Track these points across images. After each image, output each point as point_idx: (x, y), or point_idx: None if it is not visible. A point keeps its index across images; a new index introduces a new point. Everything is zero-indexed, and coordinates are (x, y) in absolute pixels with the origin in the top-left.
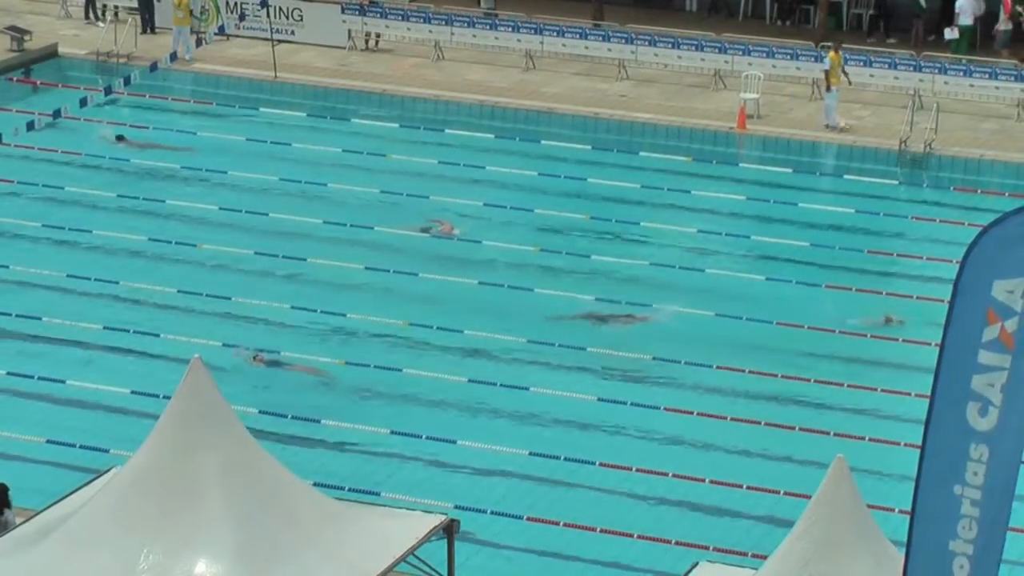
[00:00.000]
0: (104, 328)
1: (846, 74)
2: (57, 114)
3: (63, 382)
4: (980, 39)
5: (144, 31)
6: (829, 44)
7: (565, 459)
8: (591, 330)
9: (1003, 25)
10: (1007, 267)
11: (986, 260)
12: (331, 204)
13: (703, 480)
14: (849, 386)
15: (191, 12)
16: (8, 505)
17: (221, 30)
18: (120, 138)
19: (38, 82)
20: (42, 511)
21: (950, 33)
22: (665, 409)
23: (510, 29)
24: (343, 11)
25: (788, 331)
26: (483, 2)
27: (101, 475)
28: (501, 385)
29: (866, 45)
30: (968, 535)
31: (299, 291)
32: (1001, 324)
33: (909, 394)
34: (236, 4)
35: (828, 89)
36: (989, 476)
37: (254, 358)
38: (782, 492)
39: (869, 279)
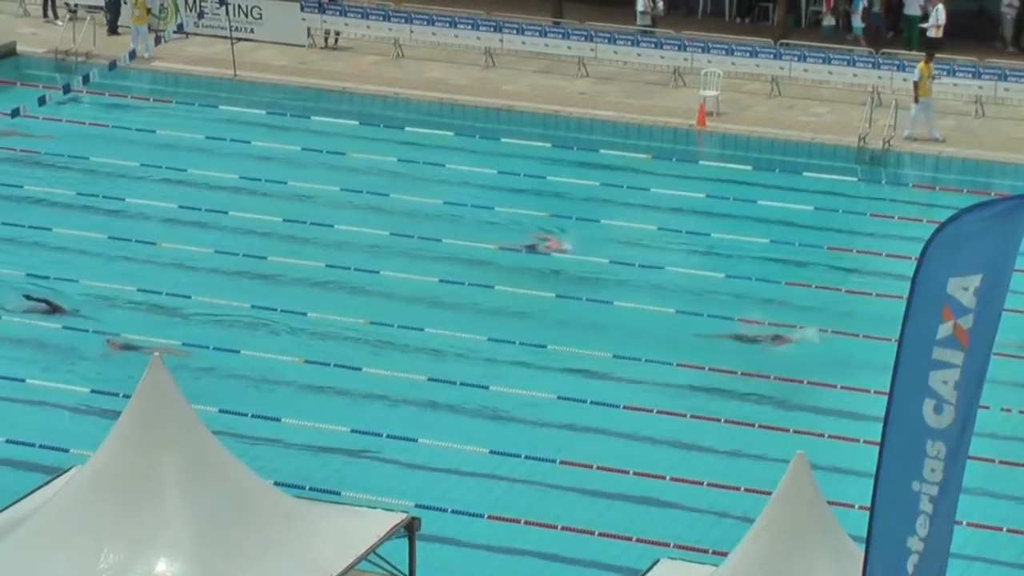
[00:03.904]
0: (63, 327)
1: (933, 78)
2: (15, 113)
3: (23, 381)
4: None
5: (110, 32)
6: (923, 53)
7: (525, 457)
8: (552, 328)
9: (827, 20)
10: (962, 264)
11: (942, 257)
12: (291, 202)
13: (663, 477)
14: (809, 383)
15: (148, 10)
16: None
17: (180, 28)
18: None
19: None
20: (0, 511)
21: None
22: (625, 407)
23: (469, 27)
24: (302, 9)
25: (748, 328)
26: (639, 18)
27: (61, 474)
28: (461, 383)
29: (823, 42)
30: (922, 532)
31: (259, 289)
32: (955, 321)
33: (868, 391)
34: (195, 2)
35: (916, 100)
36: (947, 473)
37: (107, 342)
38: (742, 489)
39: (828, 276)
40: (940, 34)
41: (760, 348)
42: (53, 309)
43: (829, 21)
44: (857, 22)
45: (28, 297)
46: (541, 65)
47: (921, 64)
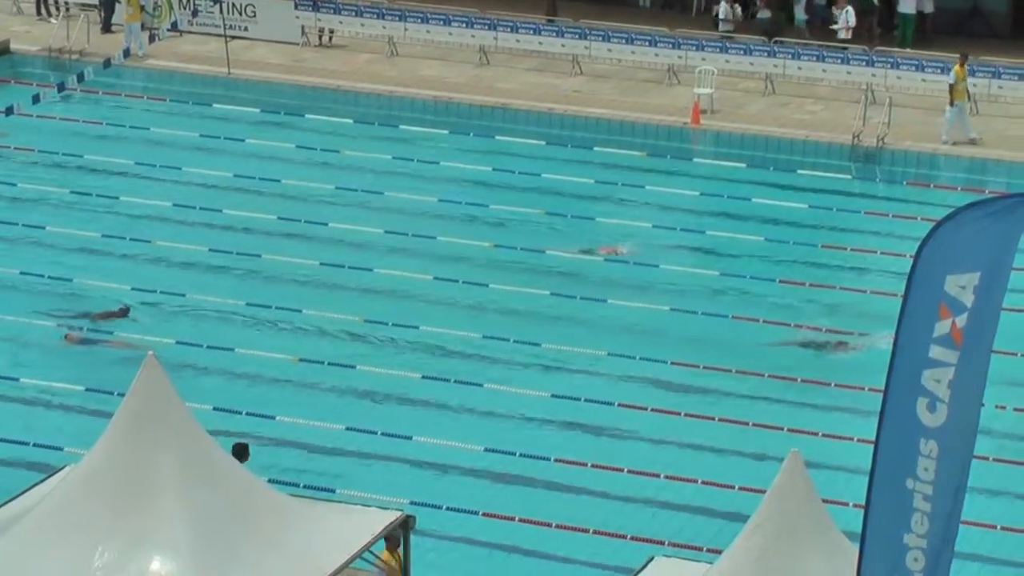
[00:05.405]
0: (58, 325)
1: (967, 90)
2: (10, 111)
3: (16, 380)
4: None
5: (104, 30)
6: (957, 56)
7: (520, 455)
8: (546, 325)
9: (762, 14)
10: (959, 262)
11: (939, 255)
12: (285, 200)
13: (658, 475)
14: (803, 380)
15: (142, 8)
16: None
17: (174, 26)
18: None
19: None
20: None
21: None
22: (619, 405)
23: (463, 25)
24: (296, 7)
25: (743, 325)
26: (720, 25)
27: (55, 473)
28: (455, 381)
29: (816, 40)
30: (921, 529)
31: (253, 287)
32: (952, 319)
33: (863, 388)
34: (189, 0)
35: (951, 104)
36: (940, 472)
37: (65, 336)
38: (737, 487)
39: (823, 274)
40: (850, 35)
41: (754, 346)
42: (120, 313)
43: (764, 14)
44: (800, 14)
45: (95, 317)
46: (535, 63)
47: (956, 67)
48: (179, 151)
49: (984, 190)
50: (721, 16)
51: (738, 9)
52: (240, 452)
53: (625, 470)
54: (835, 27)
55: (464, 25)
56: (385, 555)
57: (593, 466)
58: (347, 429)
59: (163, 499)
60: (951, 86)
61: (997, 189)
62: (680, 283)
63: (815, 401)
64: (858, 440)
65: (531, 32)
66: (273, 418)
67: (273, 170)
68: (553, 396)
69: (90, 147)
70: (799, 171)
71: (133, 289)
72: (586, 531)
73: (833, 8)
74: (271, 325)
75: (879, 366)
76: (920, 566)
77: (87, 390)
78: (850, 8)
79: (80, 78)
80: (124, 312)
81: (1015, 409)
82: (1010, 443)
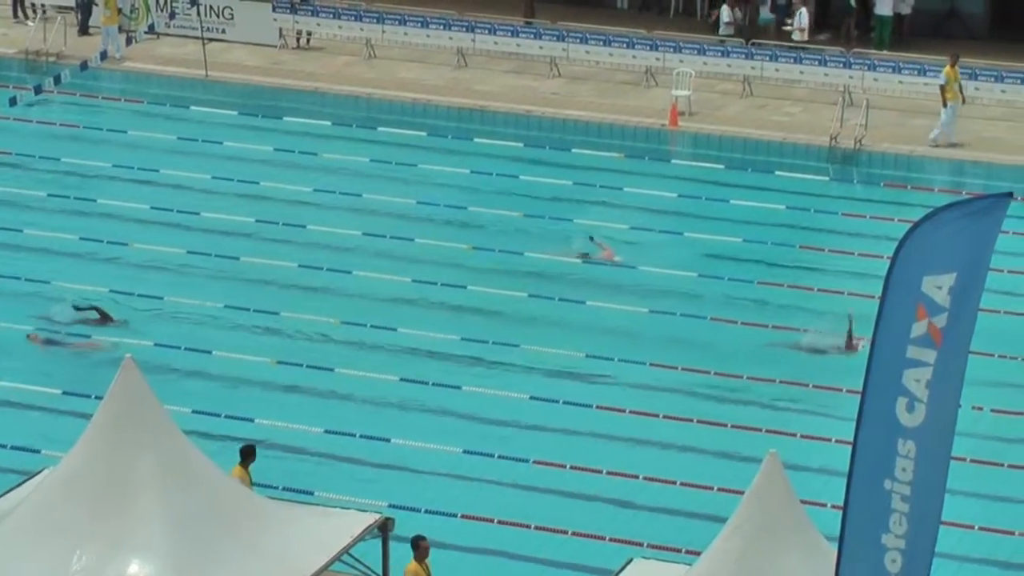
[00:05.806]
0: (35, 328)
1: (961, 91)
2: None
3: None
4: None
5: (81, 32)
6: (947, 57)
7: (498, 457)
8: (525, 327)
9: (735, 15)
10: (937, 263)
11: (916, 256)
12: (263, 202)
13: (636, 477)
14: (781, 382)
15: (119, 10)
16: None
17: (151, 28)
18: None
19: None
20: None
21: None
22: (598, 407)
23: (441, 27)
24: (274, 9)
25: (721, 327)
26: (723, 28)
27: (32, 477)
28: (434, 384)
29: (791, 42)
30: (899, 530)
31: (231, 289)
32: (929, 320)
33: (841, 390)
34: (166, 2)
35: (944, 105)
36: (918, 472)
37: (28, 336)
38: (715, 488)
39: (801, 275)
40: (805, 37)
41: (733, 347)
42: (103, 318)
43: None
44: (766, 13)
45: (76, 308)
46: (513, 65)
47: (947, 68)
48: (156, 153)
49: (961, 191)
50: (725, 19)
51: (737, 12)
52: (248, 452)
53: (604, 472)
54: (788, 28)
55: (442, 27)
56: (412, 565)
57: (572, 468)
58: (326, 432)
59: (141, 502)
60: (942, 87)
61: (974, 190)
62: (659, 285)
63: (793, 402)
64: (836, 441)
65: (509, 34)
66: (251, 420)
67: (251, 172)
68: (531, 398)
69: (67, 149)
70: (777, 173)
71: (111, 292)
72: (565, 533)
73: (786, 17)
74: (249, 328)
75: (857, 367)
76: (898, 567)
77: (65, 393)
78: (804, 10)
79: (57, 80)
80: (106, 317)
81: (992, 410)
82: (988, 444)
